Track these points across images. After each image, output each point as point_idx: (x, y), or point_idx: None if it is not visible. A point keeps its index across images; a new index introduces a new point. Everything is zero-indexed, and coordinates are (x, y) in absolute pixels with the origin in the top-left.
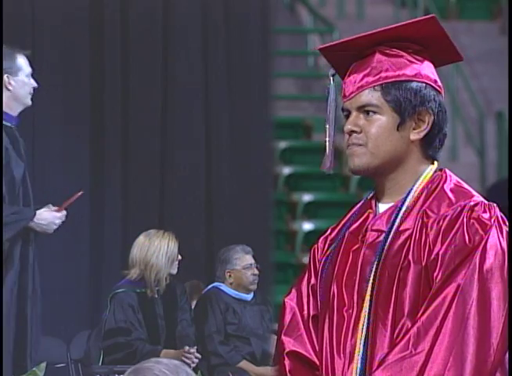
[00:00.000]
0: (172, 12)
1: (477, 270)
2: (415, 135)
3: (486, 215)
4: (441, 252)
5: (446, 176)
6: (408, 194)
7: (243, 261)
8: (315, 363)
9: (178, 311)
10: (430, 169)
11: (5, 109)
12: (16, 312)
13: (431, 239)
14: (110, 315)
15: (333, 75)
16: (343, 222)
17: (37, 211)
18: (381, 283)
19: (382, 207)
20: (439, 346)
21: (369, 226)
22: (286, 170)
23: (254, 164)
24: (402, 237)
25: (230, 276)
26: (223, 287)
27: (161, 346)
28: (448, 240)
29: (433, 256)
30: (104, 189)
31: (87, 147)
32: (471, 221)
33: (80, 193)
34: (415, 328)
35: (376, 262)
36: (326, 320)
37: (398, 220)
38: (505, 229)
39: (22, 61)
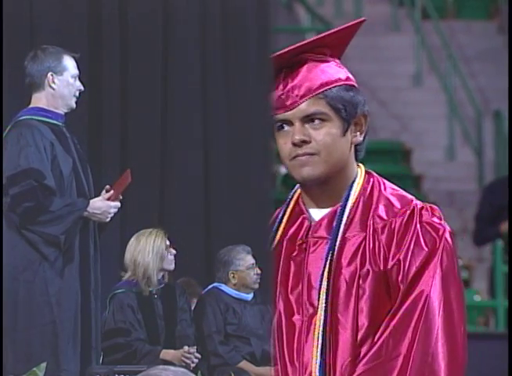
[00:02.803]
0: (172, 11)
1: (438, 274)
2: (356, 139)
3: (436, 220)
4: (401, 257)
5: (378, 180)
6: (347, 200)
7: (246, 261)
8: None
9: (178, 311)
10: (361, 173)
11: (49, 107)
12: (80, 307)
13: (384, 243)
14: (110, 315)
15: None
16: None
17: (91, 201)
18: (338, 291)
19: (316, 212)
20: (414, 349)
21: (310, 233)
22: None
23: (253, 163)
24: (351, 244)
25: (234, 276)
26: (223, 287)
27: (161, 346)
28: (406, 244)
29: (393, 261)
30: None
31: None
32: (424, 225)
33: (126, 174)
34: (386, 334)
35: (327, 271)
36: (276, 328)
37: (342, 227)
38: (448, 229)
39: (69, 62)
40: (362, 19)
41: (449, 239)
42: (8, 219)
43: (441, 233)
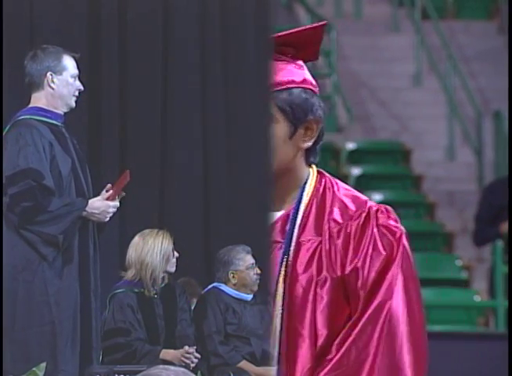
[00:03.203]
0: (172, 11)
1: (398, 280)
2: (305, 144)
3: (392, 222)
4: (359, 263)
5: (330, 180)
6: (299, 203)
7: (246, 261)
8: None
9: (178, 311)
10: (313, 174)
11: (48, 107)
12: (79, 308)
13: (340, 247)
14: (109, 315)
15: None
16: None
17: (90, 201)
18: (294, 298)
19: None
20: (379, 358)
21: None
22: None
23: (253, 163)
24: (306, 249)
25: (234, 276)
26: (223, 287)
27: (161, 346)
28: (364, 249)
29: (350, 267)
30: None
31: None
32: (380, 228)
33: (125, 174)
34: (348, 344)
35: (282, 276)
36: None
37: (295, 230)
38: (403, 231)
39: (68, 61)
40: (324, 22)
41: (405, 242)
42: (7, 219)
43: (398, 236)
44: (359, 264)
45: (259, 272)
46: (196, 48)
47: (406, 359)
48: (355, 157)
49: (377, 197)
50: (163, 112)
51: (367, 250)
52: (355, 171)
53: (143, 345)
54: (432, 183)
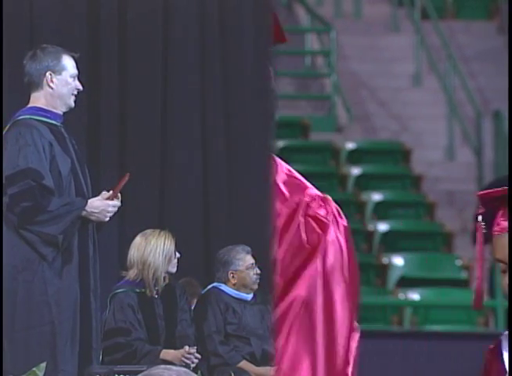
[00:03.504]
0: (171, 11)
1: (319, 274)
2: None
3: (322, 212)
4: (280, 256)
5: (277, 165)
6: None
7: (246, 261)
8: None
9: (178, 311)
10: None
11: (48, 107)
12: (79, 308)
13: None
14: (110, 315)
15: None
16: None
17: (89, 200)
18: None
19: None
20: (287, 357)
21: None
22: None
23: (253, 163)
24: None
25: (233, 276)
26: (223, 286)
27: (161, 346)
28: (286, 242)
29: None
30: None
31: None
32: (307, 219)
33: (125, 176)
34: None
35: None
36: None
37: None
38: (342, 223)
39: (68, 61)
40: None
41: (339, 234)
42: (7, 219)
43: (325, 227)
44: (281, 256)
45: (259, 272)
46: (196, 48)
47: (320, 348)
48: (355, 156)
49: (377, 196)
50: (163, 112)
51: (291, 241)
52: (355, 171)
53: (143, 345)
54: (432, 183)
